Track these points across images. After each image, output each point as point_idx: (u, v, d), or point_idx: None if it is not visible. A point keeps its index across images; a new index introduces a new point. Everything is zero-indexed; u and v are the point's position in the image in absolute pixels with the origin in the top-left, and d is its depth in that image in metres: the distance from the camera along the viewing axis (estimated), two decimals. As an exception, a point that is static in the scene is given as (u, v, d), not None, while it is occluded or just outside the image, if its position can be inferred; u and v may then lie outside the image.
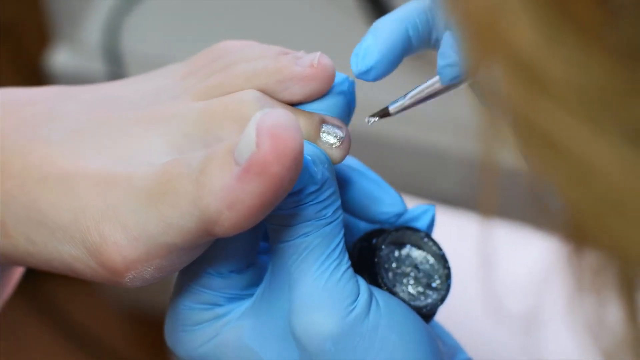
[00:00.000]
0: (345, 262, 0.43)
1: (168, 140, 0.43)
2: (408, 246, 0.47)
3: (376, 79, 0.45)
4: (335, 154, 0.44)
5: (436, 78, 0.43)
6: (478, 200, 0.34)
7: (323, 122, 0.44)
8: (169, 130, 0.44)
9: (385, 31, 0.46)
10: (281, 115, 0.38)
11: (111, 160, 0.43)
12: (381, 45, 0.45)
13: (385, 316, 0.43)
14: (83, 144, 0.44)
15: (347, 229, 0.51)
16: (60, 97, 0.47)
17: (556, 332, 0.56)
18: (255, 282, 0.45)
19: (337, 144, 0.44)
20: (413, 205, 0.50)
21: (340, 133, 0.44)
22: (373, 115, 0.46)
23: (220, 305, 0.45)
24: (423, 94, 0.44)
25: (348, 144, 0.44)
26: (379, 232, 0.47)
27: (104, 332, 1.34)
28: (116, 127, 0.44)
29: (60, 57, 1.09)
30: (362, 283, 0.43)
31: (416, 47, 0.46)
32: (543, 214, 0.36)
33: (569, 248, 0.31)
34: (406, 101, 0.44)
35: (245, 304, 0.45)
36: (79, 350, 1.32)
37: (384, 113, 0.45)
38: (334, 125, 0.44)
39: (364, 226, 0.50)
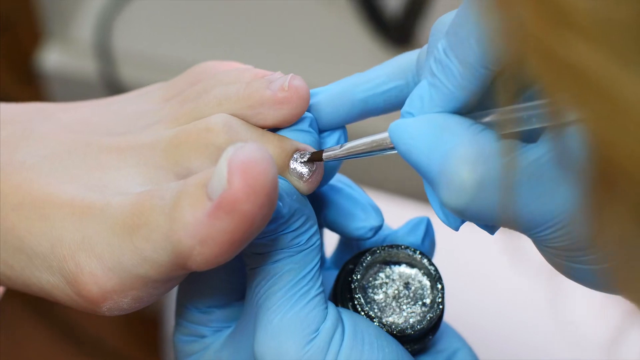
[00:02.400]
0: (316, 289, 0.42)
1: (141, 170, 0.43)
2: (400, 264, 0.46)
3: (321, 127, 0.44)
4: (304, 187, 0.43)
5: (384, 134, 0.41)
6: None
7: (296, 149, 0.43)
8: (141, 160, 0.43)
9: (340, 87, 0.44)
10: (254, 150, 0.37)
11: (86, 188, 0.43)
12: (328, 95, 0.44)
13: (347, 345, 0.42)
14: (58, 170, 0.43)
15: (349, 247, 0.50)
16: (38, 117, 0.47)
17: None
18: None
19: (307, 176, 0.43)
20: (413, 210, 0.49)
21: (304, 172, 0.43)
22: (305, 156, 0.43)
23: (207, 336, 0.45)
24: (362, 148, 0.42)
25: (317, 179, 0.43)
26: (363, 253, 0.46)
27: (100, 331, 1.34)
28: (90, 155, 0.44)
29: (52, 55, 1.08)
30: (332, 310, 0.43)
31: (382, 107, 0.45)
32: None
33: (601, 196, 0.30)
34: (340, 152, 0.42)
35: (226, 333, 0.45)
36: (75, 349, 1.32)
37: (316, 157, 0.43)
38: (306, 152, 0.43)
39: (367, 244, 0.49)
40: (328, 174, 0.45)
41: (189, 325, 0.45)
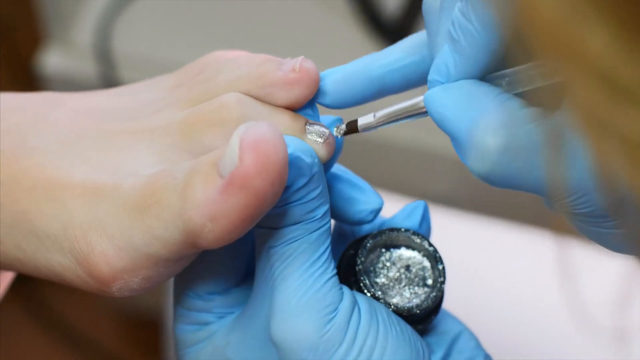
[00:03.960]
0: (330, 271, 0.43)
1: (154, 152, 0.43)
2: (399, 247, 0.47)
3: (334, 106, 0.45)
4: (321, 150, 0.43)
5: (420, 98, 0.42)
6: (551, 218, 0.33)
7: (307, 122, 0.44)
8: (154, 141, 0.44)
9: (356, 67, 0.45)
10: (265, 129, 0.38)
11: (98, 170, 0.43)
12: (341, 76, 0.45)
13: (365, 323, 0.43)
14: (70, 154, 0.44)
15: (344, 236, 0.51)
16: (49, 105, 0.47)
17: None
18: (247, 300, 0.45)
19: (322, 141, 0.43)
20: (405, 204, 0.50)
21: (325, 131, 0.44)
22: (341, 130, 0.45)
23: (212, 322, 0.45)
24: (401, 113, 0.43)
25: (333, 143, 0.44)
26: (363, 238, 0.47)
27: (97, 333, 1.34)
28: (103, 139, 0.44)
29: (52, 58, 1.08)
30: (347, 291, 0.43)
31: (398, 85, 0.45)
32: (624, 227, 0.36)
33: None
34: (375, 120, 0.44)
35: (230, 319, 0.45)
36: (72, 351, 1.32)
37: (351, 127, 0.44)
38: (317, 125, 0.44)
39: (363, 232, 0.49)
40: (331, 159, 0.46)
41: (191, 313, 0.46)
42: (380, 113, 0.44)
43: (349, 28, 1.08)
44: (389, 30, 1.06)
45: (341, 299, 0.43)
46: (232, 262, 0.46)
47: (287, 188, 0.41)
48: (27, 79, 1.29)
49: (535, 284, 0.73)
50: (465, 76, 0.40)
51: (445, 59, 0.40)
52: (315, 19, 1.09)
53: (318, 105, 0.46)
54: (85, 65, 1.07)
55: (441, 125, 0.40)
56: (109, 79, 1.06)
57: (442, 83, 0.41)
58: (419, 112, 0.42)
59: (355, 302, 0.43)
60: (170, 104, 0.45)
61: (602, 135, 0.28)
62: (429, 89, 0.42)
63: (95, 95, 0.48)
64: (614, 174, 0.28)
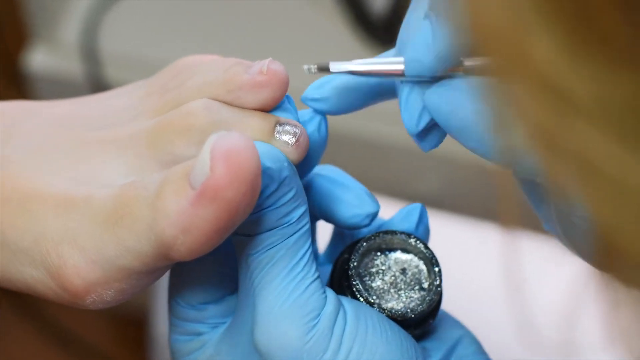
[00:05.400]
0: (312, 275, 0.42)
1: (124, 162, 0.43)
2: (395, 250, 0.46)
3: (334, 113, 0.45)
4: (292, 153, 0.43)
5: (400, 59, 0.41)
6: (499, 212, 0.33)
7: (278, 122, 0.43)
8: (124, 151, 0.43)
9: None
10: (236, 138, 0.37)
11: (69, 182, 0.42)
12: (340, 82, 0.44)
13: (351, 329, 0.42)
14: (42, 164, 0.43)
15: (342, 240, 0.50)
16: (22, 114, 0.46)
17: (593, 355, 0.56)
18: None
19: (293, 141, 0.43)
20: (395, 207, 0.49)
21: (295, 130, 0.43)
22: (313, 66, 0.43)
23: (204, 333, 0.45)
24: (378, 68, 0.42)
25: (305, 143, 0.43)
26: (357, 243, 0.46)
27: (86, 331, 1.34)
28: (75, 149, 0.44)
29: (38, 57, 1.08)
30: (330, 295, 0.42)
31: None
32: (570, 232, 0.36)
33: (601, 264, 0.30)
34: (350, 66, 0.42)
35: (223, 329, 0.45)
36: (61, 349, 1.32)
37: (324, 67, 0.43)
38: (289, 124, 0.43)
39: (362, 236, 0.48)
40: (314, 153, 0.45)
41: (184, 323, 0.45)
42: (357, 61, 0.43)
43: (336, 27, 1.08)
44: (377, 29, 1.06)
45: (324, 305, 0.42)
46: (224, 269, 0.45)
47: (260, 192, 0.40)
48: (13, 77, 1.28)
49: (532, 285, 0.73)
50: (443, 53, 0.40)
51: (425, 35, 0.40)
52: (303, 18, 1.08)
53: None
54: (72, 64, 1.07)
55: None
56: (95, 78, 1.06)
57: (416, 60, 0.40)
58: (396, 73, 0.42)
59: (339, 307, 0.42)
60: (142, 112, 0.45)
61: (551, 151, 0.27)
62: (405, 69, 0.41)
63: (68, 103, 0.48)
64: (563, 186, 0.28)
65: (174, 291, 0.45)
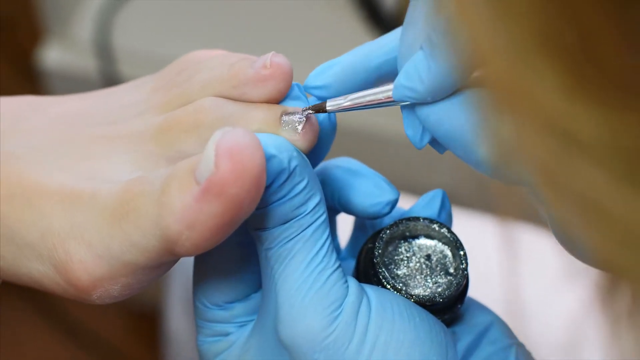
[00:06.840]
0: (332, 265, 0.42)
1: (131, 158, 0.43)
2: (419, 237, 0.46)
3: (333, 98, 0.44)
4: (300, 141, 0.42)
5: (389, 87, 0.41)
6: (497, 209, 0.33)
7: (284, 112, 0.43)
8: (131, 147, 0.43)
9: (353, 57, 0.45)
10: (241, 134, 0.38)
11: (75, 177, 0.43)
12: (340, 68, 0.44)
13: (376, 317, 0.42)
14: (48, 160, 0.43)
15: (364, 230, 0.50)
16: (27, 110, 0.47)
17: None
18: None
19: (299, 130, 0.42)
20: (410, 201, 0.49)
21: (301, 118, 0.43)
22: (308, 109, 0.43)
23: (232, 332, 0.45)
24: (368, 100, 0.42)
25: (312, 131, 0.43)
26: (380, 232, 0.46)
27: (98, 325, 1.34)
28: (81, 144, 0.44)
29: (52, 54, 1.09)
30: (352, 284, 0.42)
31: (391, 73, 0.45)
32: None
33: (603, 288, 0.30)
34: (345, 102, 0.43)
35: (250, 327, 0.45)
36: (73, 344, 1.33)
37: (320, 108, 0.43)
38: (295, 113, 0.43)
39: (383, 225, 0.48)
40: (325, 140, 0.45)
41: (211, 325, 0.45)
42: (352, 96, 0.43)
43: (348, 22, 1.08)
44: (389, 26, 1.06)
45: (346, 294, 0.42)
46: (249, 267, 0.45)
47: (267, 187, 0.41)
48: (27, 74, 1.29)
49: (538, 282, 0.73)
50: (437, 84, 0.40)
51: (418, 64, 0.40)
52: (314, 14, 1.09)
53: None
54: (85, 61, 1.07)
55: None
56: (108, 74, 1.06)
57: (409, 88, 0.40)
58: (390, 101, 0.42)
59: (362, 296, 0.42)
60: (149, 108, 0.45)
61: (554, 189, 0.27)
62: (393, 94, 0.41)
63: (74, 99, 0.48)
64: (569, 226, 0.28)
65: (199, 292, 0.45)
